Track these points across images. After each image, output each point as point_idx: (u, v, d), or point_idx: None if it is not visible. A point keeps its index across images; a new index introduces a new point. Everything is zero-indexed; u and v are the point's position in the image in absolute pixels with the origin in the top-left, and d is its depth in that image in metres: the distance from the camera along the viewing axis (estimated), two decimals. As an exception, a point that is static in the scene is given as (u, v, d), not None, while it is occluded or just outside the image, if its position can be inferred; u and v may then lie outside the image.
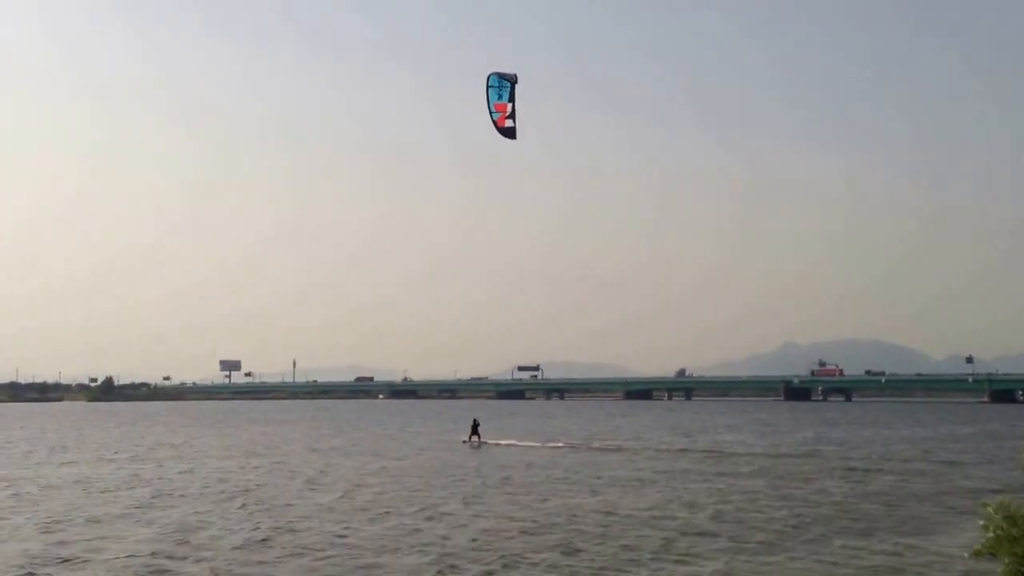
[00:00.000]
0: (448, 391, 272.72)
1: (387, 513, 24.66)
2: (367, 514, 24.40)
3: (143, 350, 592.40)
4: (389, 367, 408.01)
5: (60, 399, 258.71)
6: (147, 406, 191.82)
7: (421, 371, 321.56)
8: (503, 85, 16.50)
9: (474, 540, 20.16)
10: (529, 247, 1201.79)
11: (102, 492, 30.22)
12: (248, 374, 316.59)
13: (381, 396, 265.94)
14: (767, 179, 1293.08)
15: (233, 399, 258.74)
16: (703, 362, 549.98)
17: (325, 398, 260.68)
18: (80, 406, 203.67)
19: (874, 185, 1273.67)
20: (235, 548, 19.42)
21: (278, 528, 21.98)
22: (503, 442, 55.50)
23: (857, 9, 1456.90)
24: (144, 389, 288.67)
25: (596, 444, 55.15)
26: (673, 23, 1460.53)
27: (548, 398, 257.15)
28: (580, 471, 37.19)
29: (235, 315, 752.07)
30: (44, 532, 21.82)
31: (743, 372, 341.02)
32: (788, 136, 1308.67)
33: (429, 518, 23.69)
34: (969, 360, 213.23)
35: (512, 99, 16.53)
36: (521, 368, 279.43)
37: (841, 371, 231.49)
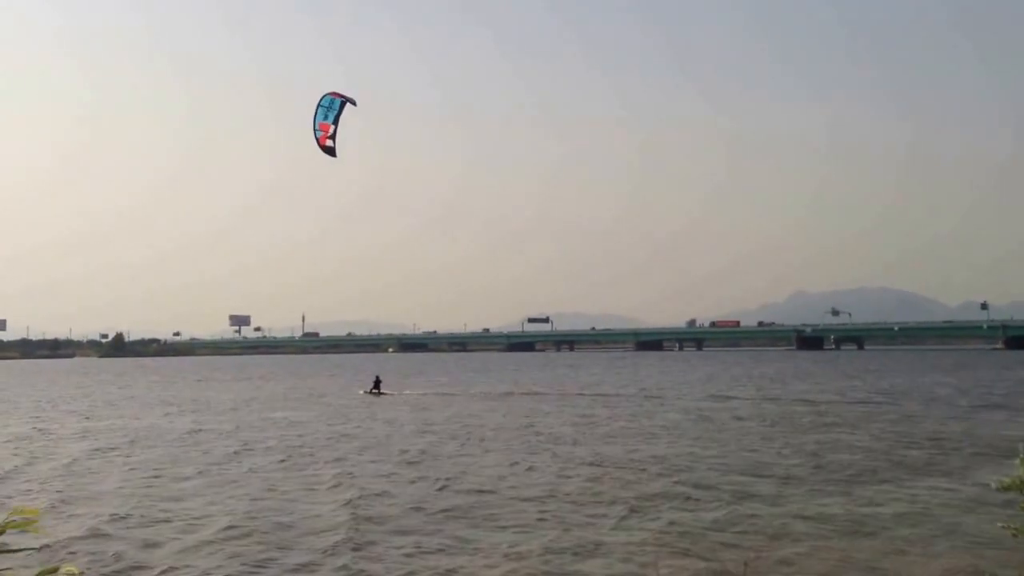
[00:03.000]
0: (458, 344, 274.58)
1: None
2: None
3: (153, 306, 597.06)
4: (398, 321, 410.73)
5: (71, 355, 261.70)
6: (160, 361, 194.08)
7: (430, 324, 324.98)
8: (332, 106, 18.18)
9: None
10: (530, 198, 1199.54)
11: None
12: (258, 329, 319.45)
13: (391, 350, 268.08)
14: (766, 128, 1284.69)
15: (243, 354, 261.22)
16: (714, 312, 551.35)
17: (334, 352, 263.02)
18: (91, 362, 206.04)
19: (870, 132, 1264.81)
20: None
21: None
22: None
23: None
24: (154, 345, 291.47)
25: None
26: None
27: (558, 350, 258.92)
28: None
29: (243, 270, 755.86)
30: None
31: (755, 321, 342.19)
32: (780, 84, 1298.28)
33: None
34: (984, 307, 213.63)
35: (337, 120, 18.51)
36: (531, 320, 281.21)
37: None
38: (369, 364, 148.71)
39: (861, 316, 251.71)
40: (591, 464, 24.21)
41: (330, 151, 18.41)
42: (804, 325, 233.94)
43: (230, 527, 16.29)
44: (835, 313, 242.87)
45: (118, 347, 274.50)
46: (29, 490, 20.97)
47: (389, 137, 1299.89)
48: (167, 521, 17.05)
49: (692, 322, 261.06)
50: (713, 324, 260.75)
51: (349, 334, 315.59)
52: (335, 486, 21.03)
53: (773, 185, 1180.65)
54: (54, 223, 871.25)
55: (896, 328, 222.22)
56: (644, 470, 23.04)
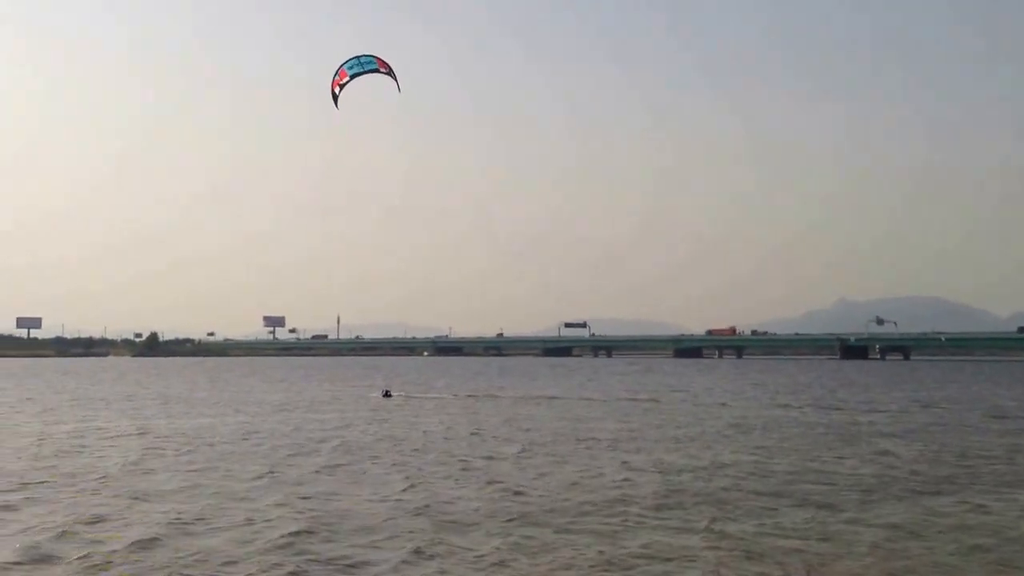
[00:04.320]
0: (494, 348, 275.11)
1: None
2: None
3: (188, 307, 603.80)
4: (433, 324, 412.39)
5: (105, 354, 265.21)
6: (194, 361, 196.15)
7: (466, 328, 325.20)
8: (364, 64, 18.61)
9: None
10: (567, 201, 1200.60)
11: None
12: (292, 330, 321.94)
13: (425, 353, 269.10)
14: (776, 128, 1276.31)
15: (277, 355, 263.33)
16: (756, 319, 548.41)
17: (369, 355, 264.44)
18: (125, 361, 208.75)
19: (944, 145, 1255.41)
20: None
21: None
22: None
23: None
24: (188, 345, 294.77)
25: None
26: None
27: (595, 355, 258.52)
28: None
29: (279, 272, 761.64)
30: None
31: (798, 329, 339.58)
32: (815, 85, 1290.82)
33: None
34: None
35: (356, 76, 19.10)
36: (568, 325, 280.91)
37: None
38: (404, 367, 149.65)
39: (909, 326, 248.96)
40: (655, 471, 24.35)
41: (334, 98, 19.17)
42: (848, 334, 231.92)
43: (304, 531, 16.45)
44: (880, 322, 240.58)
45: (152, 346, 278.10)
46: (97, 489, 21.32)
47: (425, 142, 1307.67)
48: (248, 523, 17.28)
49: (732, 329, 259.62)
50: (709, 333, 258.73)
51: (394, 337, 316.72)
52: (405, 489, 21.27)
53: (817, 188, 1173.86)
54: (93, 226, 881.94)
55: (943, 338, 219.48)
56: (710, 477, 23.15)
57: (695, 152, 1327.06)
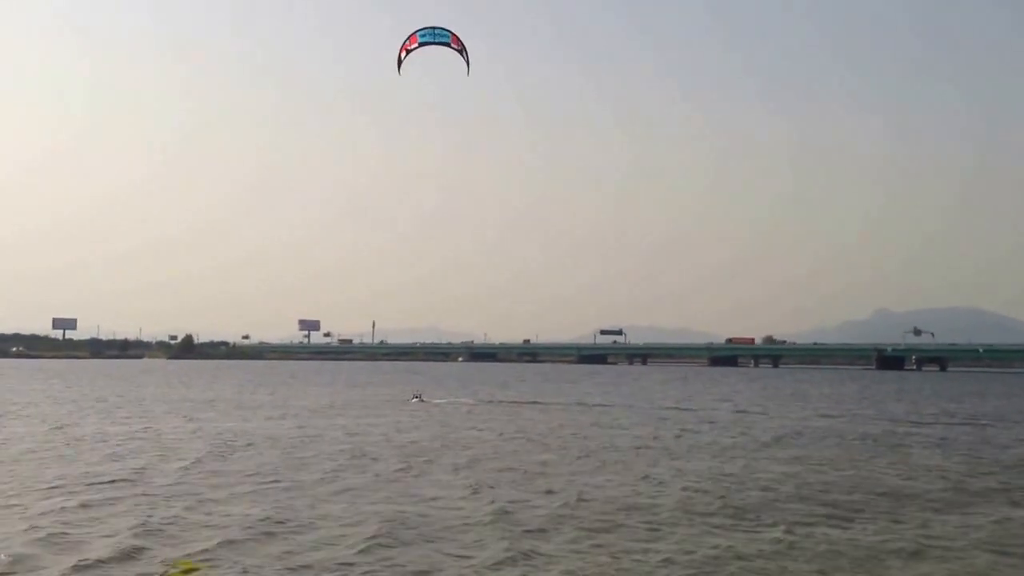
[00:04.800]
0: (528, 354, 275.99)
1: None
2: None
3: (224, 310, 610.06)
4: (467, 330, 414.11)
5: (140, 356, 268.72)
6: (230, 364, 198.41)
7: (501, 334, 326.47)
8: (436, 36, 18.73)
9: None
10: (604, 206, 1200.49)
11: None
12: (327, 334, 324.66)
13: (460, 359, 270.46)
14: (830, 136, 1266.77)
15: (312, 359, 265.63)
16: (793, 328, 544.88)
17: (403, 359, 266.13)
18: (160, 363, 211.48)
19: (990, 154, 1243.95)
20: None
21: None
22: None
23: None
24: (223, 348, 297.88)
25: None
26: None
27: (631, 363, 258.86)
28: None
29: (315, 277, 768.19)
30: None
31: (835, 339, 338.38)
32: (854, 93, 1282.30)
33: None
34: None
35: (424, 45, 19.14)
36: (603, 332, 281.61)
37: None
38: (438, 372, 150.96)
39: (948, 337, 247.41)
40: (712, 479, 25.31)
41: (399, 62, 19.36)
42: (885, 344, 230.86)
43: (377, 535, 17.24)
44: (917, 333, 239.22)
45: (187, 349, 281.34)
46: (161, 495, 22.11)
47: (463, 146, 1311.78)
48: (314, 526, 18.31)
49: (769, 338, 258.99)
50: (729, 341, 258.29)
51: (428, 343, 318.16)
52: (470, 495, 22.15)
53: (856, 198, 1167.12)
54: (131, 227, 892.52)
55: (981, 350, 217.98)
56: (767, 488, 24.11)
57: (738, 161, 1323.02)
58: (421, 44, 20.27)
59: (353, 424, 42.97)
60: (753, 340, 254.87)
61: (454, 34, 20.86)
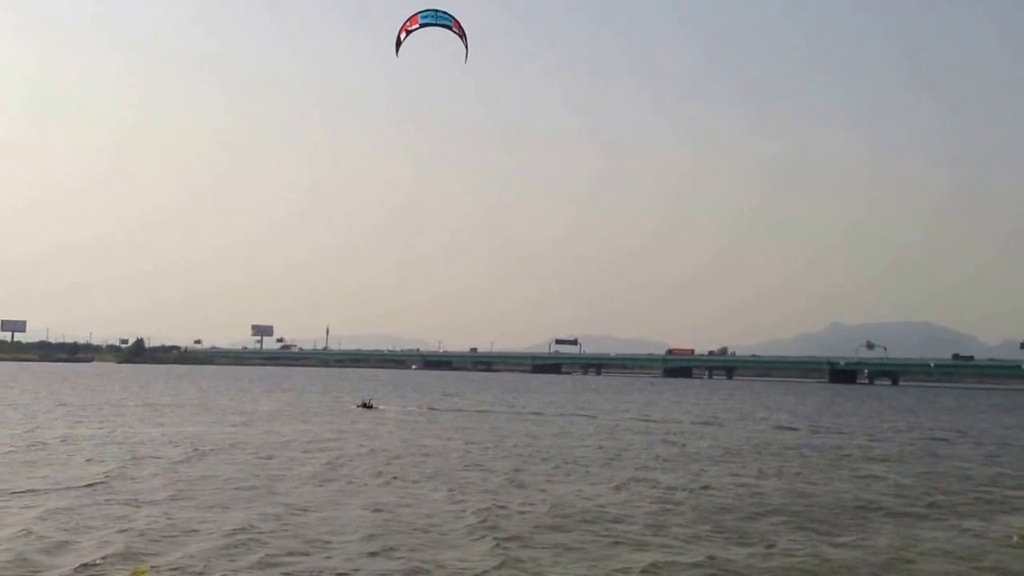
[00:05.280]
0: (483, 363, 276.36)
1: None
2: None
3: (175, 313, 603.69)
4: (423, 337, 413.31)
5: (90, 359, 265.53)
6: (182, 369, 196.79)
7: (456, 342, 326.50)
8: (439, 18, 18.75)
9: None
10: (564, 217, 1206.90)
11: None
12: (280, 340, 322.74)
13: (414, 366, 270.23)
14: (800, 150, 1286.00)
15: (264, 365, 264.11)
16: (748, 340, 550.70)
17: (357, 367, 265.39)
18: (111, 367, 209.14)
19: (919, 165, 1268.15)
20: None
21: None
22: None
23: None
24: (174, 352, 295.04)
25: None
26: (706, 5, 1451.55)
27: (585, 373, 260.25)
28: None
29: (268, 281, 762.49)
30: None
31: (789, 352, 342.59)
32: (819, 109, 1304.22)
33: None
34: (1023, 346, 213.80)
35: (426, 26, 19.11)
36: (559, 341, 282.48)
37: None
38: (392, 379, 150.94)
39: (899, 351, 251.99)
40: (673, 490, 26.14)
41: (398, 44, 19.09)
42: (838, 358, 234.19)
43: (372, 536, 18.06)
44: (870, 346, 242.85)
45: (137, 353, 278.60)
46: (126, 501, 22.61)
47: (421, 152, 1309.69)
48: (315, 538, 18.93)
49: (723, 350, 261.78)
50: (670, 352, 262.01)
51: (392, 349, 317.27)
52: (454, 503, 22.74)
53: (813, 211, 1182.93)
54: (80, 227, 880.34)
55: (932, 364, 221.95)
56: (729, 499, 24.99)
57: (702, 175, 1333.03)
58: (422, 25, 19.89)
59: (304, 431, 43.44)
60: (693, 351, 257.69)
61: (455, 19, 20.43)
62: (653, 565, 16.48)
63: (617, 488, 25.93)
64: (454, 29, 19.79)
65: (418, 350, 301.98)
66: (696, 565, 16.60)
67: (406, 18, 19.99)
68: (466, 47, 20.67)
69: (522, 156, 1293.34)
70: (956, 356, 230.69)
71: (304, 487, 24.67)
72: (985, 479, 31.10)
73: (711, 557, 17.16)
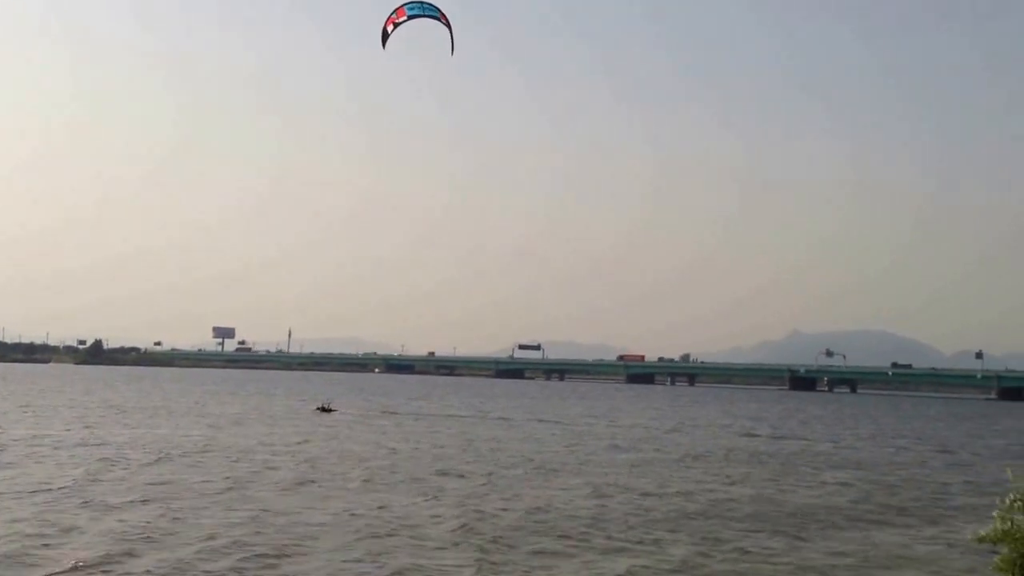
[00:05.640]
0: (446, 368, 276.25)
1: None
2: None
3: (134, 312, 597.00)
4: (386, 341, 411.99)
5: (47, 360, 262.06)
6: (143, 371, 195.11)
7: (419, 346, 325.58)
8: (425, 10, 18.84)
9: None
10: (530, 222, 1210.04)
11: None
12: (242, 342, 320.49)
13: (377, 370, 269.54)
14: (775, 166, 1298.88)
15: (225, 368, 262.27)
16: (711, 348, 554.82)
17: (320, 370, 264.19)
18: (68, 368, 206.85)
19: (884, 177, 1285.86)
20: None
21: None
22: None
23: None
24: (133, 354, 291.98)
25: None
26: (686, 14, 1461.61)
27: (548, 378, 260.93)
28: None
29: (230, 282, 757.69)
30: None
31: (751, 359, 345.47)
32: (795, 124, 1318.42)
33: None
34: (979, 356, 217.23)
35: (413, 18, 19.20)
36: (522, 347, 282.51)
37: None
38: (354, 383, 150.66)
39: (858, 359, 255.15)
40: (631, 493, 26.79)
41: (384, 37, 19.04)
42: (798, 365, 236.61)
43: (349, 541, 18.55)
44: (829, 354, 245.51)
45: (95, 354, 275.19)
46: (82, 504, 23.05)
47: (385, 151, 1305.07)
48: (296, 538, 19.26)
49: (686, 356, 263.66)
50: (620, 358, 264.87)
51: (355, 352, 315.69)
52: (428, 508, 23.28)
53: (782, 223, 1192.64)
54: (33, 221, 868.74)
55: (890, 373, 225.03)
56: (685, 503, 25.65)
57: (672, 184, 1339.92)
58: (410, 17, 19.80)
59: (269, 434, 43.88)
60: (644, 357, 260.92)
61: (443, 13, 20.25)
62: (629, 570, 17.02)
63: (590, 494, 26.52)
64: (441, 20, 19.97)
65: (375, 353, 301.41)
66: (671, 571, 17.16)
67: (394, 9, 19.89)
68: (452, 38, 20.69)
69: (486, 159, 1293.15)
70: (895, 365, 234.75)
71: (276, 492, 25.01)
72: (944, 485, 32.07)
73: (684, 563, 17.73)
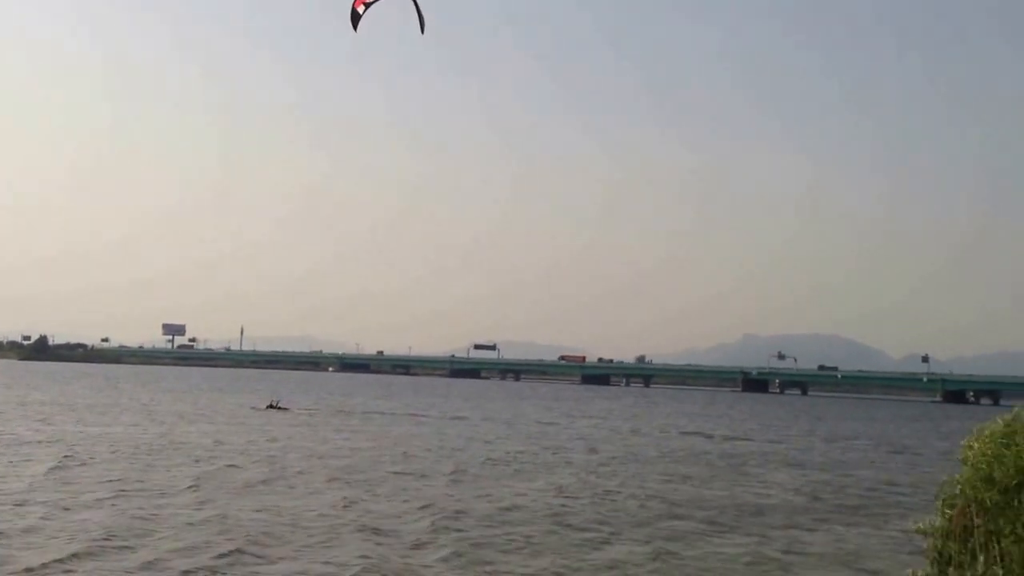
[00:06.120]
0: (402, 367, 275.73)
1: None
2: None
3: (82, 307, 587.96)
4: (341, 340, 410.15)
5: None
6: (91, 368, 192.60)
7: (374, 345, 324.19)
8: None
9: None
10: (488, 223, 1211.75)
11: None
12: (192, 339, 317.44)
13: (331, 368, 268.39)
14: (731, 172, 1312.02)
15: (176, 365, 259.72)
16: (666, 350, 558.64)
17: (273, 368, 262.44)
18: (13, 365, 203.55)
19: (838, 190, 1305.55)
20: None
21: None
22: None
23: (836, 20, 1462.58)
24: (80, 350, 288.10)
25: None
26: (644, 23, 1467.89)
27: (503, 378, 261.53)
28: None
29: (180, 278, 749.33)
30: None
31: (705, 361, 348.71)
32: (754, 134, 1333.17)
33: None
34: (925, 360, 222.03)
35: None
36: (477, 347, 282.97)
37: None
38: (312, 381, 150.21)
39: (809, 362, 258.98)
40: (583, 492, 27.46)
41: (355, 18, 18.79)
42: (751, 368, 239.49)
43: (317, 536, 19.03)
44: (781, 357, 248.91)
45: (40, 350, 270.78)
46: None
47: (339, 150, 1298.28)
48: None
49: (641, 358, 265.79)
50: (561, 358, 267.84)
51: (300, 352, 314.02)
52: (396, 505, 23.93)
53: (738, 232, 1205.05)
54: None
55: (840, 375, 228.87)
56: (639, 503, 26.41)
57: (630, 191, 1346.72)
58: None
59: (218, 431, 44.17)
60: (584, 358, 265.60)
61: None
62: (591, 568, 17.53)
63: (551, 494, 27.13)
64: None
65: (321, 351, 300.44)
66: (631, 568, 17.62)
67: None
68: (421, 19, 20.87)
69: (440, 162, 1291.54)
70: (821, 367, 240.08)
71: (234, 490, 25.18)
72: (890, 484, 33.15)
73: (641, 561, 18.23)
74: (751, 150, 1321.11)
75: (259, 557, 16.94)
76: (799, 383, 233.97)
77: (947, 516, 7.65)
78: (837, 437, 61.28)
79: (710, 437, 55.72)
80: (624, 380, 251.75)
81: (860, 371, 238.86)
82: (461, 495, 25.72)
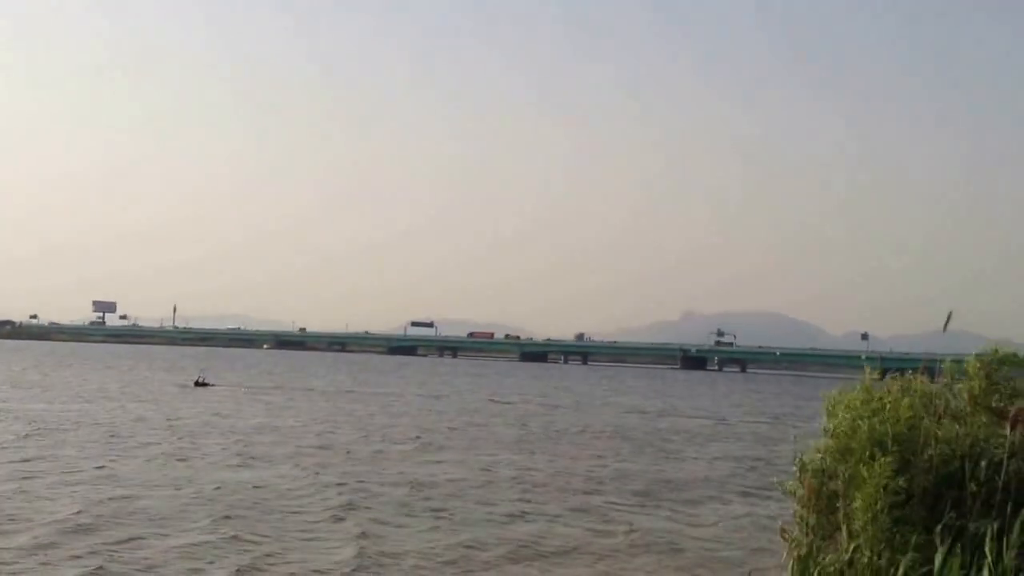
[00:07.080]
0: (338, 344, 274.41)
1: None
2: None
3: (7, 285, 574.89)
4: (276, 317, 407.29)
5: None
6: (20, 344, 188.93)
7: (310, 322, 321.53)
8: None
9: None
10: (428, 197, 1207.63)
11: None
12: (123, 317, 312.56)
13: (266, 346, 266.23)
14: (677, 144, 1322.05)
15: (107, 343, 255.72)
16: (605, 327, 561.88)
17: (206, 345, 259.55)
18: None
19: (783, 167, 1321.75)
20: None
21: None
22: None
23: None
24: (7, 327, 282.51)
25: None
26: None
27: (440, 355, 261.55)
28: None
29: (110, 251, 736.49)
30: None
31: (645, 339, 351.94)
32: (692, 112, 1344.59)
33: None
34: (864, 337, 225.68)
35: None
36: (415, 324, 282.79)
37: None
38: (245, 359, 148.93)
39: (750, 339, 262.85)
40: (535, 469, 27.51)
41: None
42: (690, 345, 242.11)
43: (224, 517, 18.70)
44: (720, 335, 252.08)
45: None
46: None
47: (282, 115, 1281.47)
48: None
49: (580, 336, 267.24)
50: (470, 335, 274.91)
51: (233, 329, 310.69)
52: (308, 483, 23.78)
53: (680, 209, 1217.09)
54: None
55: (778, 353, 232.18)
56: (562, 477, 26.50)
57: (574, 167, 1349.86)
58: None
59: (143, 408, 43.87)
60: (493, 334, 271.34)
61: None
62: (516, 543, 17.31)
63: (476, 469, 27.12)
64: None
65: (271, 333, 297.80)
66: (555, 543, 17.41)
67: None
68: None
69: (381, 139, 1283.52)
70: (717, 341, 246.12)
71: (146, 467, 24.86)
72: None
73: (569, 535, 18.14)
74: (700, 132, 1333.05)
75: (155, 536, 16.53)
76: (738, 360, 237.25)
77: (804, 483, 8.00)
78: (768, 412, 62.12)
79: (645, 413, 56.20)
80: (562, 357, 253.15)
81: (798, 348, 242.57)
82: (382, 471, 25.62)
